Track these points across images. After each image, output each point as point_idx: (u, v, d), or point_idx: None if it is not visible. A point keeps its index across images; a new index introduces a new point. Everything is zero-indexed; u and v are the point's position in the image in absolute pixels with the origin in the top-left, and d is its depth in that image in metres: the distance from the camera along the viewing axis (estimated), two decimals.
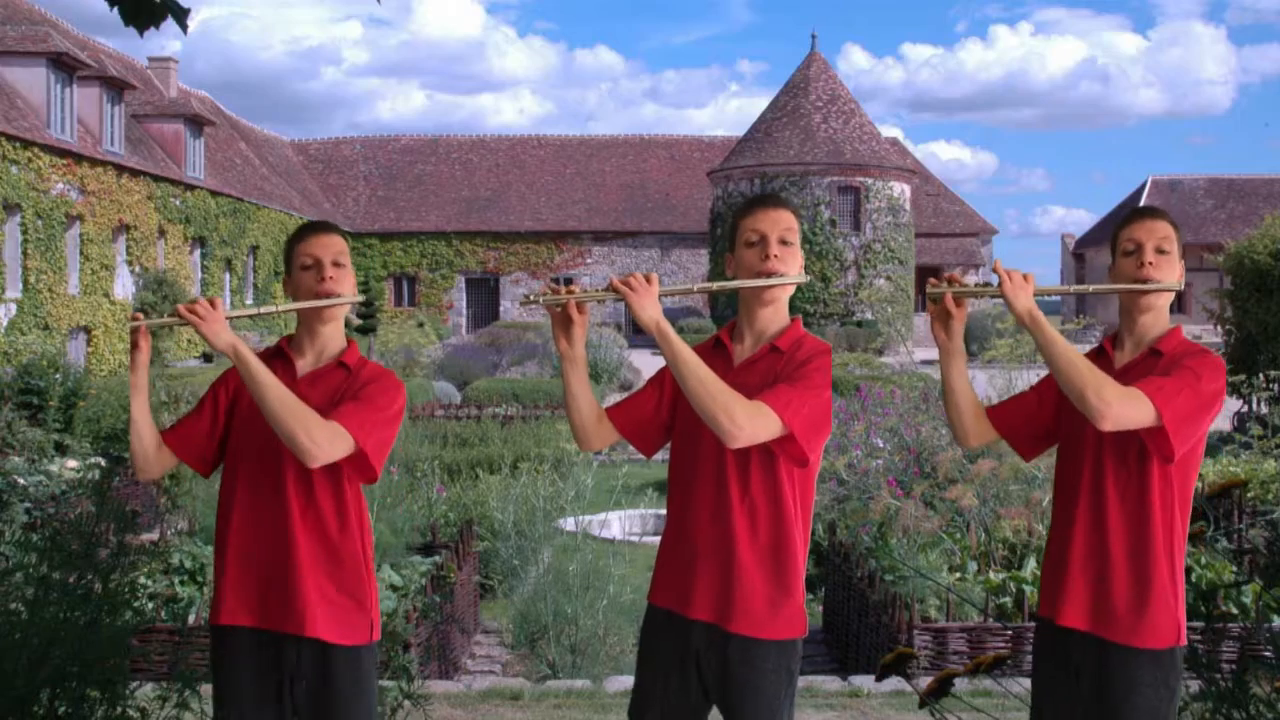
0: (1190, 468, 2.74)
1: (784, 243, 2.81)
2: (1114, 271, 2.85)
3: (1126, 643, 2.71)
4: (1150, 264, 2.75)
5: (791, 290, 2.88)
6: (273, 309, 2.95)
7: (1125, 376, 2.72)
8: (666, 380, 2.89)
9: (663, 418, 2.91)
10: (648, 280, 2.68)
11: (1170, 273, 2.78)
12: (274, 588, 2.83)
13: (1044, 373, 2.90)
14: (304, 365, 2.92)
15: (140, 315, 2.80)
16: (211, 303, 2.72)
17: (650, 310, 2.65)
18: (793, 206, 2.88)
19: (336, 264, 2.88)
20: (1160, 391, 2.58)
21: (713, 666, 2.82)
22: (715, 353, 2.88)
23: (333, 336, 2.93)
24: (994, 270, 2.72)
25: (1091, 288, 2.89)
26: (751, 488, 2.75)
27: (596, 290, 2.73)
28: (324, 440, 2.68)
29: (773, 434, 2.64)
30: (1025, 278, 2.69)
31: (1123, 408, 2.55)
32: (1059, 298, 56.70)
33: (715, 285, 2.84)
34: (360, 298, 3.03)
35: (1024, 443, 2.94)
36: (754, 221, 2.82)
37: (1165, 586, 2.71)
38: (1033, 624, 5.66)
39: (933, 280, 2.88)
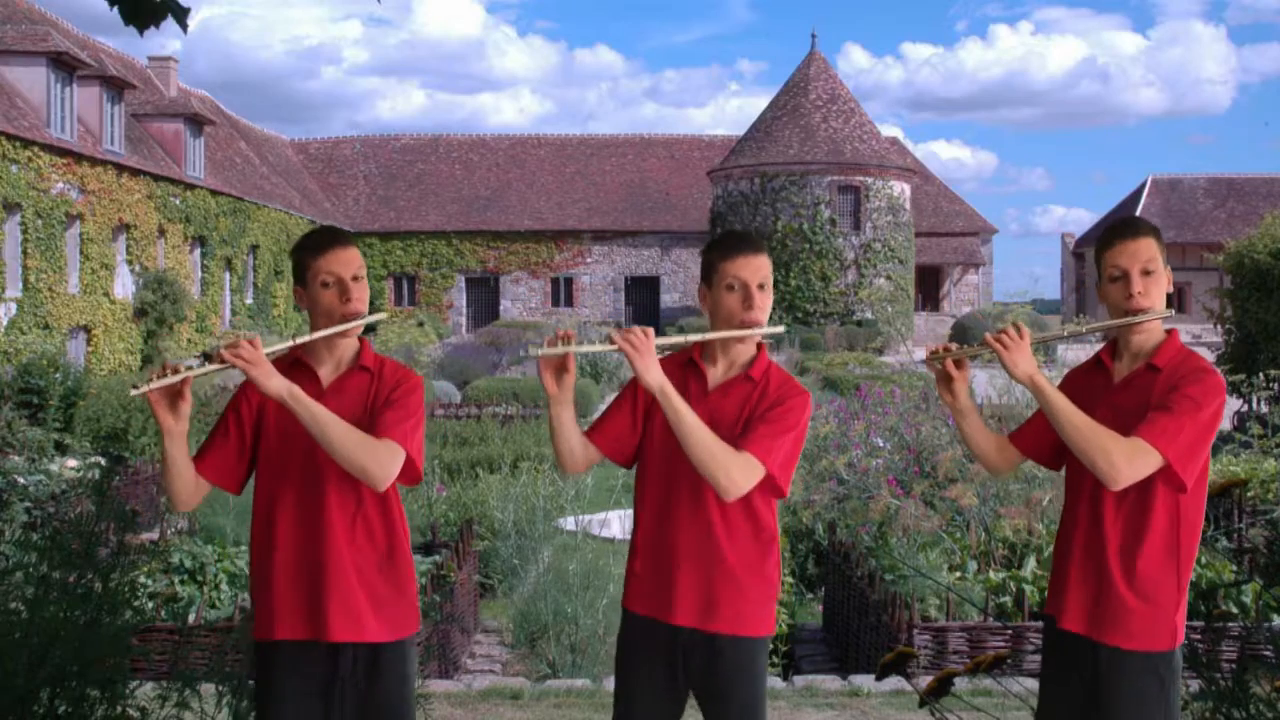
0: (1199, 480, 2.75)
1: (761, 288, 2.89)
2: (1101, 293, 2.89)
3: (1119, 645, 2.76)
4: (1139, 293, 2.77)
5: None
6: (306, 338, 2.90)
7: (1125, 391, 2.81)
8: (640, 395, 2.97)
9: (639, 431, 3.00)
10: (645, 335, 2.75)
11: (1159, 292, 2.80)
12: (328, 597, 2.83)
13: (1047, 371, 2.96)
14: (326, 374, 2.94)
15: (179, 367, 2.76)
16: (251, 343, 2.70)
17: (654, 373, 2.74)
18: (765, 248, 2.95)
19: (356, 279, 2.90)
20: (1163, 435, 2.64)
21: (700, 667, 2.88)
22: (688, 370, 2.97)
23: (350, 344, 2.97)
24: (984, 342, 2.78)
25: (1085, 328, 2.97)
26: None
27: (596, 344, 2.85)
28: (390, 465, 2.75)
29: (758, 480, 2.80)
30: (1020, 332, 2.74)
31: (1131, 468, 2.63)
32: (1059, 295, 56.42)
33: (705, 337, 2.93)
34: (383, 315, 3.16)
35: (1049, 459, 3.01)
36: (735, 268, 2.88)
37: (1163, 591, 2.74)
38: (1032, 623, 5.69)
39: (929, 348, 2.98)
